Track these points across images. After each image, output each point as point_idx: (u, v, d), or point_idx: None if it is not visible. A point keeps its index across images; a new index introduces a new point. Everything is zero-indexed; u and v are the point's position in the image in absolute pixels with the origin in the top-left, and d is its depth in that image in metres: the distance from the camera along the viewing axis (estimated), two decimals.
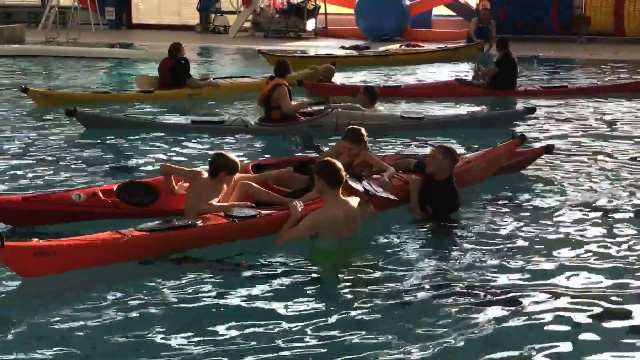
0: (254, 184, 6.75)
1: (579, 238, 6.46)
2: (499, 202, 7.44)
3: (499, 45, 14.03)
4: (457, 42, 19.96)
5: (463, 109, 12.44)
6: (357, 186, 6.60)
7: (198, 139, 10.03)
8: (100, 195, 6.67)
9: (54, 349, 4.60)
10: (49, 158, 9.10)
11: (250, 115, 11.03)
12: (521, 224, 6.80)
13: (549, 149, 8.43)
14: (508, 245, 6.30)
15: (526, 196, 7.67)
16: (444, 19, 25.13)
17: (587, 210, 7.18)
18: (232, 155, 6.73)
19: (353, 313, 5.07)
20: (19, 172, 8.36)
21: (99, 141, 9.89)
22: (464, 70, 17.14)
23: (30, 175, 8.27)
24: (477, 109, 12.50)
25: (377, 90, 11.27)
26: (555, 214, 7.07)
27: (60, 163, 8.87)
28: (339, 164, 6.21)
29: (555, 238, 6.45)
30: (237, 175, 6.74)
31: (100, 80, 16.28)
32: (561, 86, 14.20)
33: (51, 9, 23.57)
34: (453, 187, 6.92)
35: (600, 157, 9.27)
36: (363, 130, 7.28)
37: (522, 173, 8.40)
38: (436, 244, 6.38)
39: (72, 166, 8.71)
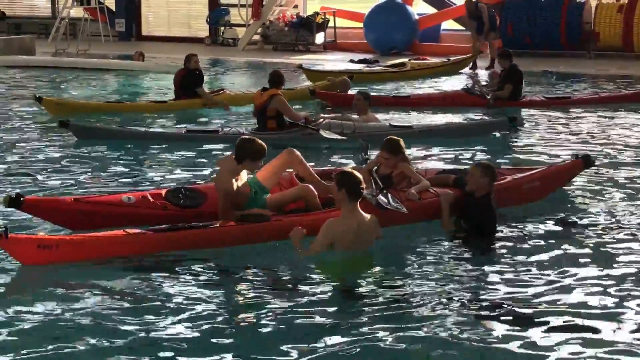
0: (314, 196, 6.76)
1: (611, 257, 6.30)
2: (537, 221, 7.24)
3: (503, 57, 14.05)
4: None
5: (468, 119, 12.54)
6: (371, 200, 6.60)
7: (193, 149, 10.09)
8: (150, 198, 6.83)
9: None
10: (57, 166, 9.21)
11: (244, 125, 11.14)
12: (557, 243, 6.65)
13: (587, 162, 7.91)
14: (538, 265, 6.17)
15: (565, 214, 7.48)
16: (452, 33, 25.14)
17: (628, 231, 6.97)
18: (258, 141, 6.74)
19: (364, 325, 5.06)
20: (29, 180, 8.50)
21: (101, 153, 9.96)
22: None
23: (38, 182, 8.40)
24: (486, 118, 12.60)
25: (368, 95, 11.41)
26: (592, 234, 6.91)
27: (69, 172, 8.95)
28: (359, 176, 6.19)
29: (587, 260, 6.30)
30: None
31: (111, 91, 16.32)
32: (564, 97, 14.27)
33: (61, 21, 23.69)
34: (490, 204, 6.84)
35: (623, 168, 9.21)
36: (401, 142, 7.28)
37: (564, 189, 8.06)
38: (467, 259, 6.34)
39: (78, 175, 8.81)
